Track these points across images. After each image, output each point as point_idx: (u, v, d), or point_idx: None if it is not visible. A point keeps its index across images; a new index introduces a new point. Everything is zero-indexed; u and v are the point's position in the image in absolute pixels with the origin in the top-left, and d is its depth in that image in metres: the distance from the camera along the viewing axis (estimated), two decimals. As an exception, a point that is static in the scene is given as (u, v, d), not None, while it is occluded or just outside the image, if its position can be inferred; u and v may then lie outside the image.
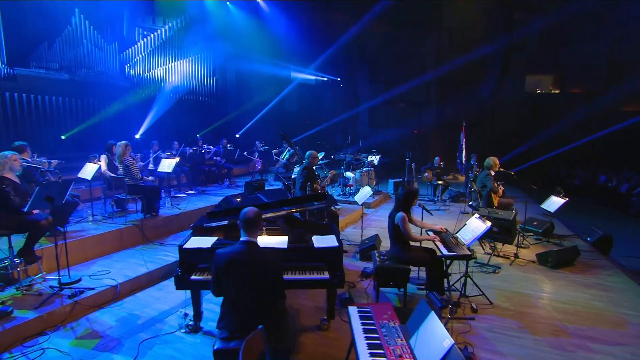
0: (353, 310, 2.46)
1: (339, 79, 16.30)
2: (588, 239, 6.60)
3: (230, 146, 9.40)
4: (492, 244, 5.36)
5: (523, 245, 5.86)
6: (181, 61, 11.90)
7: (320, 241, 3.25)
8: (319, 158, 8.46)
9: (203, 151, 8.67)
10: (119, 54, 10.22)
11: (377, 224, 7.22)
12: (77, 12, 9.01)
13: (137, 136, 9.94)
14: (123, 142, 5.67)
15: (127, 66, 10.59)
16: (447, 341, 1.76)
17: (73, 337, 3.27)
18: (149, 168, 7.29)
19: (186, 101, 12.10)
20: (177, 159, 6.73)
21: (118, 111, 9.63)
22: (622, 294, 4.29)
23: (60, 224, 4.83)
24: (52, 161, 5.60)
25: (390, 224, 3.92)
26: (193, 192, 7.96)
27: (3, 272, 3.75)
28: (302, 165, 5.62)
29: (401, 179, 10.15)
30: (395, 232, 3.85)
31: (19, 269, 3.76)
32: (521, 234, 6.10)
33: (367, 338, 2.13)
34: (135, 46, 10.74)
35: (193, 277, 3.05)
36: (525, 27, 14.85)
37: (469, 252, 3.63)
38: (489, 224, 3.72)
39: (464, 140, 13.93)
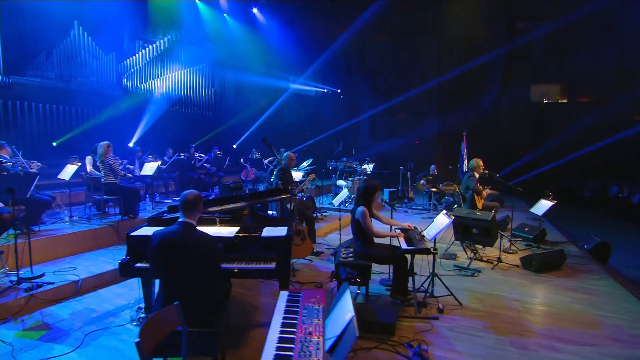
0: (283, 294, 2.43)
1: (339, 90, 16.50)
2: (585, 246, 6.41)
3: (220, 154, 9.53)
4: (472, 247, 5.23)
5: (511, 251, 5.72)
6: (178, 72, 12.27)
7: (270, 232, 3.24)
8: (307, 164, 8.53)
9: (193, 160, 8.80)
10: (117, 65, 10.62)
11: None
12: (75, 24, 9.47)
13: (131, 144, 10.18)
14: (105, 142, 5.83)
15: (124, 76, 10.98)
16: (349, 314, 1.72)
17: (21, 328, 3.30)
18: (136, 174, 7.43)
19: (182, 111, 12.41)
20: (159, 162, 6.85)
21: (111, 119, 9.92)
22: (605, 296, 4.11)
23: (31, 222, 4.95)
24: (32, 162, 5.76)
25: (352, 220, 3.89)
26: (179, 199, 8.04)
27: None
28: (279, 167, 5.66)
29: (395, 189, 10.07)
30: (357, 228, 3.81)
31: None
32: (510, 239, 5.97)
33: (284, 318, 2.09)
34: (133, 57, 11.15)
35: (138, 264, 3.07)
36: (529, 36, 14.87)
37: (428, 247, 3.56)
38: (452, 217, 3.65)
39: (465, 150, 13.84)
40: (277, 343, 1.83)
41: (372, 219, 4.08)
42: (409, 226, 4.08)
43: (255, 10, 13.05)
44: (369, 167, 10.13)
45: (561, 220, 8.76)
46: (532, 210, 6.01)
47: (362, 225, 3.74)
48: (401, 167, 9.99)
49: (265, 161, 9.95)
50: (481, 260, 5.21)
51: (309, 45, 14.42)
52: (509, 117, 15.35)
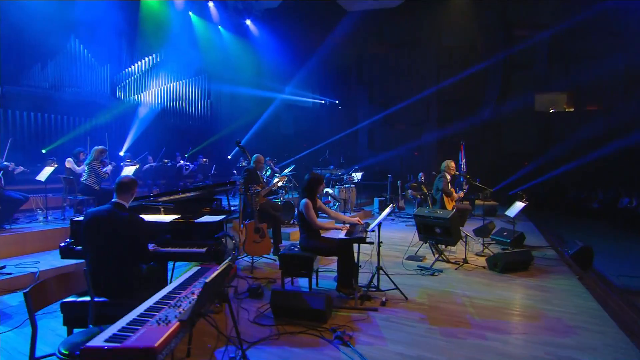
0: (196, 267, 2.63)
1: (337, 102, 16.88)
2: (568, 251, 6.39)
3: (205, 161, 9.89)
4: (436, 247, 5.30)
5: (483, 254, 5.75)
6: (172, 84, 12.86)
7: (206, 219, 3.46)
8: (289, 170, 8.77)
9: (178, 166, 9.17)
10: (111, 76, 11.26)
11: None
12: (72, 37, 10.14)
13: (122, 153, 10.66)
14: (100, 146, 6.21)
15: (118, 87, 11.61)
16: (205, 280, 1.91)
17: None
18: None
19: (174, 121, 12.93)
20: (137, 165, 7.22)
21: (103, 128, 10.44)
22: (559, 293, 4.13)
23: (3, 220, 5.31)
24: (14, 165, 6.17)
25: (297, 212, 4.07)
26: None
27: None
28: (245, 167, 5.92)
29: (383, 198, 10.19)
30: (301, 220, 3.99)
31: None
32: (483, 243, 6.01)
33: (182, 281, 2.30)
34: (128, 69, 11.80)
35: (78, 247, 3.31)
36: (530, 44, 15.02)
37: (363, 236, 3.71)
38: (392, 206, 3.80)
39: (464, 160, 13.88)
40: (159, 297, 2.03)
41: (322, 213, 4.28)
42: (358, 221, 4.23)
43: (248, 22, 13.67)
44: (357, 176, 10.30)
45: (569, 234, 8.74)
46: (507, 212, 6.06)
47: (305, 217, 3.91)
48: (389, 176, 10.12)
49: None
50: (447, 261, 5.28)
51: (305, 57, 14.90)
52: (512, 126, 15.37)
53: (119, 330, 1.64)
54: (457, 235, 4.96)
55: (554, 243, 6.75)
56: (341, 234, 3.89)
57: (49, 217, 6.14)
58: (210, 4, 12.12)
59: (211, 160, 11.19)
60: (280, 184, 6.87)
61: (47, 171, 6.07)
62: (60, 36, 9.84)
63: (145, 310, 1.87)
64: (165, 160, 8.93)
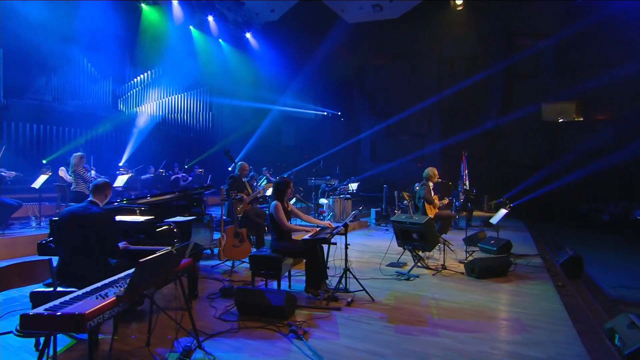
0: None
1: (339, 113, 17.26)
2: (558, 261, 6.47)
3: (201, 171, 10.30)
4: (414, 253, 5.47)
5: (466, 261, 5.88)
6: (173, 96, 13.45)
7: (173, 219, 3.76)
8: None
9: (173, 177, 9.58)
10: (113, 89, 11.88)
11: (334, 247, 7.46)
12: (75, 50, 10.80)
13: (121, 164, 11.16)
14: (79, 153, 6.65)
15: (120, 100, 12.22)
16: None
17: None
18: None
19: (174, 133, 13.47)
20: (130, 174, 7.63)
21: (103, 139, 11.03)
22: (528, 297, 4.25)
23: (-2, 224, 5.73)
24: (10, 172, 6.64)
25: (268, 215, 4.34)
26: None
27: None
28: (230, 174, 6.25)
29: (380, 208, 10.38)
30: (272, 221, 4.25)
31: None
32: (467, 250, 6.15)
33: (125, 275, 2.58)
34: (131, 82, 12.43)
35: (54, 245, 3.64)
36: (536, 53, 15.20)
37: (326, 237, 3.95)
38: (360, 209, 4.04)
39: (466, 171, 14.01)
40: (108, 281, 2.33)
41: (295, 217, 4.56)
42: (329, 224, 4.47)
43: (248, 35, 14.27)
44: (352, 186, 10.54)
45: (578, 246, 8.73)
46: (491, 220, 6.20)
47: (275, 218, 4.18)
48: (385, 186, 10.32)
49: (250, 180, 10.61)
50: (427, 267, 5.44)
51: (306, 69, 15.36)
52: (518, 136, 15.43)
53: (60, 303, 1.93)
54: (434, 240, 5.14)
55: (544, 252, 6.82)
56: (306, 237, 4.13)
57: (42, 224, 6.54)
58: (210, 18, 12.73)
59: (211, 171, 11.61)
60: (268, 192, 7.16)
61: (41, 179, 6.50)
62: (63, 49, 10.47)
63: (90, 290, 2.15)
64: (161, 171, 9.36)
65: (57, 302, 1.93)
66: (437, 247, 6.30)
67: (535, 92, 15.67)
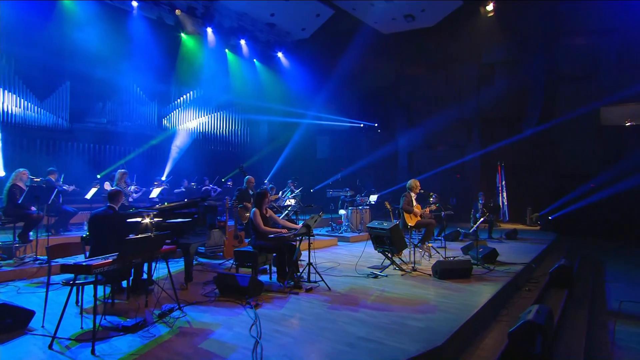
0: (148, 246, 4.64)
1: (376, 125, 18.57)
2: (550, 270, 7.28)
3: (230, 184, 12.26)
4: (386, 255, 6.69)
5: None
6: (213, 114, 15.83)
7: (175, 220, 5.51)
8: (298, 191, 10.69)
9: (203, 189, 11.64)
10: (159, 109, 14.48)
11: (335, 253, 8.89)
12: (127, 78, 13.50)
13: (163, 177, 13.57)
14: (122, 170, 8.83)
15: (165, 119, 14.79)
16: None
17: (27, 282, 5.99)
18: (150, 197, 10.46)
19: (212, 148, 15.80)
20: (162, 187, 9.72)
21: (149, 156, 13.51)
22: (465, 293, 5.32)
23: (62, 228, 7.99)
24: (70, 186, 8.99)
25: (249, 219, 5.94)
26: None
27: (8, 248, 6.82)
28: (238, 187, 8.00)
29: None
30: (252, 225, 5.84)
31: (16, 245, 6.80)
32: (445, 256, 7.22)
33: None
34: (174, 102, 15.00)
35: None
36: (588, 52, 15.34)
37: (290, 236, 5.43)
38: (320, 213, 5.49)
39: (503, 182, 14.57)
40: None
41: (273, 221, 6.11)
42: (299, 227, 5.95)
43: (280, 54, 16.31)
44: (372, 198, 11.82)
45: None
46: (471, 231, 7.21)
47: (253, 222, 5.77)
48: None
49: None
50: (400, 269, 6.65)
51: (340, 82, 16.96)
52: (567, 143, 15.50)
53: (83, 262, 3.67)
54: (401, 244, 6.37)
55: (533, 262, 7.58)
56: (272, 235, 5.66)
57: (92, 228, 8.77)
58: (242, 41, 14.98)
59: (242, 184, 13.58)
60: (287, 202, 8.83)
61: (92, 191, 8.76)
62: (116, 78, 13.19)
63: (101, 257, 3.90)
64: (192, 184, 11.47)
65: (81, 262, 3.67)
66: (421, 253, 7.49)
67: (589, 94, 15.64)
